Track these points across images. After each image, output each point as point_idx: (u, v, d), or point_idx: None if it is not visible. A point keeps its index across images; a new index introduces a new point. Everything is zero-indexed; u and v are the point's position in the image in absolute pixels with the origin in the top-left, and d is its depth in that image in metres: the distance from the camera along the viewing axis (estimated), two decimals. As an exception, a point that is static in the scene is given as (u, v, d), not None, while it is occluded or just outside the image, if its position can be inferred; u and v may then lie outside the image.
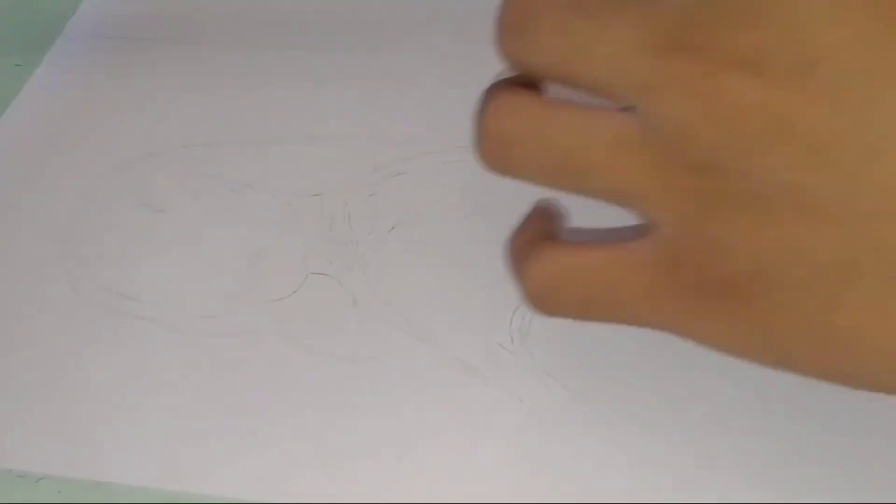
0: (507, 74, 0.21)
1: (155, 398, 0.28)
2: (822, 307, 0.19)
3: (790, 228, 0.19)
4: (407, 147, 0.34)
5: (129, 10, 0.42)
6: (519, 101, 0.21)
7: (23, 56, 0.40)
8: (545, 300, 0.22)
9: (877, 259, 0.18)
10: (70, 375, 0.29)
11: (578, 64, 0.20)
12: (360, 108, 0.36)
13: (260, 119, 0.36)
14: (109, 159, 0.35)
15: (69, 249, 0.32)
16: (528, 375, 0.28)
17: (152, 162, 0.35)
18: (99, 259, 0.32)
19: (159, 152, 0.35)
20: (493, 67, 0.21)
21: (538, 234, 0.23)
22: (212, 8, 0.41)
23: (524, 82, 0.21)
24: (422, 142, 0.35)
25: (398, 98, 0.36)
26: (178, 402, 0.28)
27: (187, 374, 0.29)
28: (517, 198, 0.33)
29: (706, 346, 0.21)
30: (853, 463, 0.26)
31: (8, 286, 0.32)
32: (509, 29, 0.20)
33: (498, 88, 0.21)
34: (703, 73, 0.18)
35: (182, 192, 0.34)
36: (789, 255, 0.19)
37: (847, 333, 0.19)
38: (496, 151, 0.22)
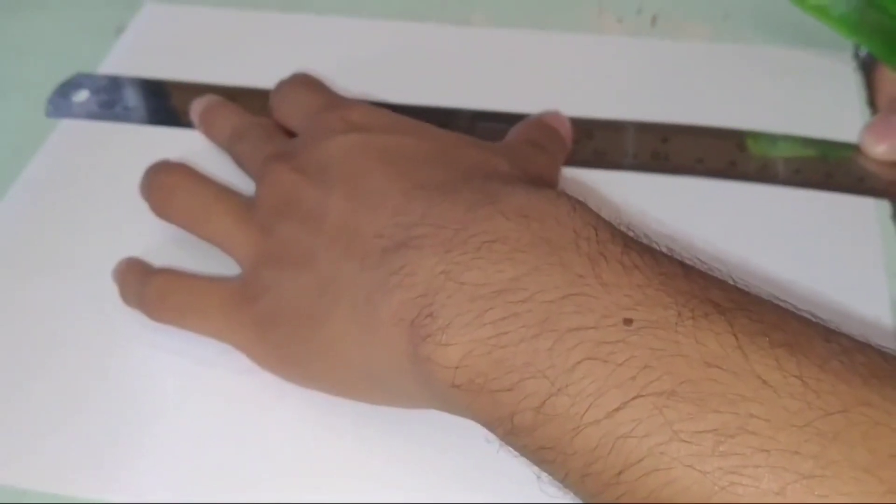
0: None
1: (177, 428, 0.30)
2: (313, 326, 0.28)
3: (293, 273, 0.29)
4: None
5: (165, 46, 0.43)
6: (179, 169, 0.34)
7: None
8: (156, 303, 0.31)
9: (348, 294, 0.27)
10: (94, 402, 0.30)
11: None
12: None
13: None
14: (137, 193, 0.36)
15: (104, 283, 0.33)
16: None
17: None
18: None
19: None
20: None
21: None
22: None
23: None
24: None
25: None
26: (198, 434, 0.29)
27: (207, 406, 0.30)
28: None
29: (260, 366, 0.30)
30: None
31: (43, 319, 0.33)
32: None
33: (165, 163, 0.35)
34: (271, 170, 0.31)
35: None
36: (294, 294, 0.29)
37: (328, 346, 0.28)
38: (162, 198, 0.34)
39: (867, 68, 0.41)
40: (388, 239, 0.27)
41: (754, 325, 0.22)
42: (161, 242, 0.35)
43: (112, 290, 0.33)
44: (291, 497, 0.28)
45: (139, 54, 0.43)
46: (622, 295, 0.23)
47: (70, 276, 0.34)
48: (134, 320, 0.32)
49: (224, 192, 0.33)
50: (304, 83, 0.37)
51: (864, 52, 0.41)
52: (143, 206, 0.34)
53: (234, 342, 0.31)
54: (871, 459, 0.20)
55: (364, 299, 0.27)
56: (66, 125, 0.40)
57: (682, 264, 0.24)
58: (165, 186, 0.34)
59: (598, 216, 0.26)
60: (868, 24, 0.38)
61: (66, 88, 0.41)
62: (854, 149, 0.37)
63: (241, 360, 0.31)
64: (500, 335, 0.23)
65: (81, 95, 0.41)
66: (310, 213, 0.30)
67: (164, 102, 0.40)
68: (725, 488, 0.20)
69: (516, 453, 0.24)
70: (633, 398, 0.21)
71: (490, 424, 0.24)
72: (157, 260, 0.34)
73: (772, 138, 0.38)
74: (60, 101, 0.41)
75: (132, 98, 0.41)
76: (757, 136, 0.38)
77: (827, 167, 0.37)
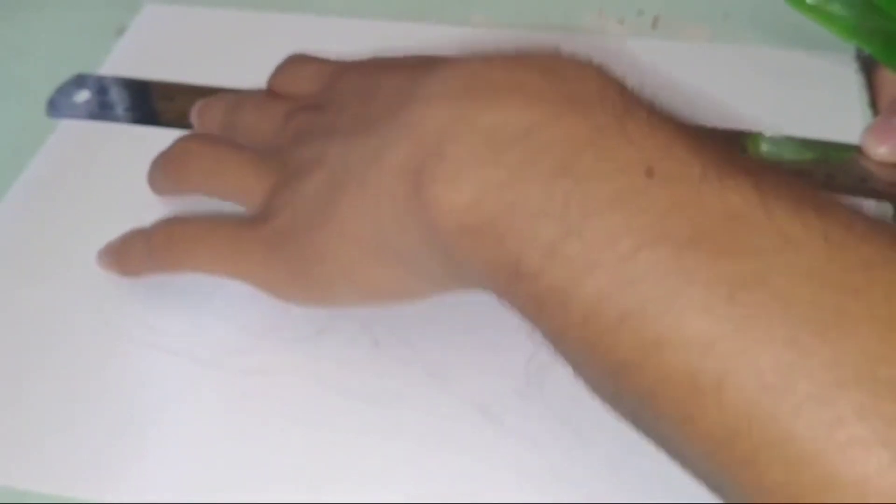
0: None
1: (180, 430, 0.30)
2: (325, 214, 0.28)
3: (305, 181, 0.29)
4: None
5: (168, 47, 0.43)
6: (191, 136, 0.35)
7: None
8: (166, 249, 0.32)
9: (357, 169, 0.27)
10: (100, 405, 0.30)
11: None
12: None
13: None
14: (144, 199, 0.36)
15: (104, 284, 0.33)
16: (543, 421, 0.29)
17: (184, 200, 0.36)
18: (132, 294, 0.33)
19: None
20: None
21: None
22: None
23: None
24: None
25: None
26: (201, 435, 0.29)
27: (212, 407, 0.30)
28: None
29: (272, 291, 0.30)
30: None
31: (44, 320, 0.33)
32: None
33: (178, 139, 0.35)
34: (294, 116, 0.32)
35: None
36: (306, 198, 0.29)
37: (340, 229, 0.27)
38: (178, 160, 0.34)
39: (868, 70, 0.41)
40: (396, 100, 0.26)
41: (780, 188, 0.21)
42: (162, 243, 0.35)
43: (113, 289, 0.33)
44: (293, 497, 0.28)
45: (140, 55, 0.43)
46: (645, 148, 0.22)
47: (70, 277, 0.34)
48: (135, 321, 0.32)
49: (237, 146, 0.33)
50: (304, 58, 0.37)
51: (865, 53, 0.41)
52: (143, 206, 0.34)
53: (244, 271, 0.30)
54: (891, 316, 0.19)
55: (371, 159, 0.26)
56: (67, 125, 0.40)
57: (709, 131, 0.23)
58: (178, 152, 0.34)
59: (624, 82, 0.25)
60: (867, 26, 0.38)
61: (67, 89, 0.41)
62: (855, 150, 0.37)
63: (243, 361, 0.31)
64: (515, 180, 0.23)
65: (82, 96, 0.41)
66: (324, 128, 0.30)
67: (165, 103, 0.40)
68: (735, 333, 0.20)
69: (512, 306, 0.24)
70: (649, 244, 0.21)
71: (492, 272, 0.24)
72: (158, 261, 0.33)
73: (773, 140, 0.38)
74: (61, 102, 0.41)
75: (133, 99, 0.41)
76: (758, 137, 0.38)
77: (828, 169, 0.37)
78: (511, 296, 0.24)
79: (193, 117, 0.38)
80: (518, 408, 0.29)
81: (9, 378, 0.31)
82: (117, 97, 0.41)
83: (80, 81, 0.42)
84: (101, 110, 0.40)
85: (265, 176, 0.31)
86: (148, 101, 0.41)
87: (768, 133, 0.38)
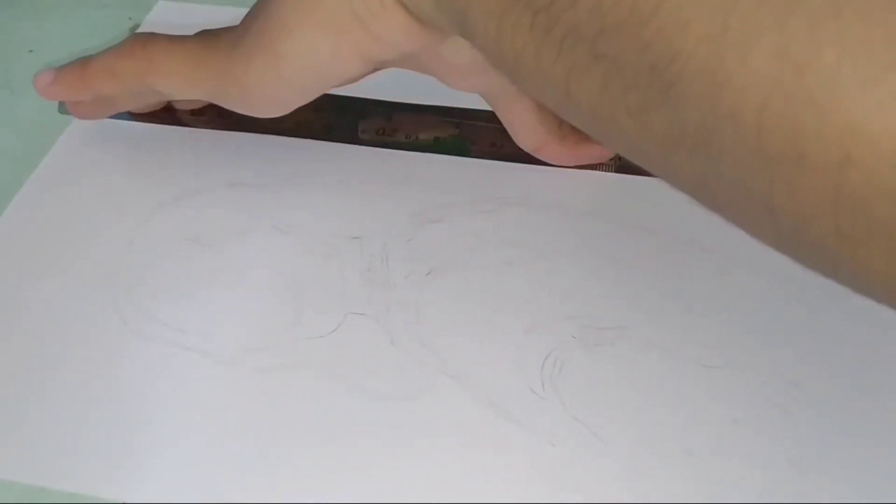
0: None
1: (196, 426, 0.30)
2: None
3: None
4: (444, 195, 0.36)
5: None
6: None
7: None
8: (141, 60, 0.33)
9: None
10: (116, 402, 0.30)
11: None
12: (399, 157, 0.38)
13: (304, 163, 0.38)
14: (158, 196, 0.36)
15: (118, 281, 0.33)
16: (559, 421, 0.29)
17: (199, 199, 0.36)
18: (146, 291, 0.33)
19: (206, 190, 0.36)
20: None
21: None
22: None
23: None
24: (458, 191, 0.36)
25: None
26: (217, 431, 0.29)
27: (228, 404, 0.30)
28: (546, 248, 0.34)
29: (233, 98, 0.32)
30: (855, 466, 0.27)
31: (58, 316, 0.33)
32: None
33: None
34: None
35: (227, 229, 0.35)
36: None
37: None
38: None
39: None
40: None
41: None
42: (173, 236, 0.35)
43: (127, 285, 0.33)
44: (307, 495, 0.28)
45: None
46: None
47: (84, 273, 0.34)
48: (149, 317, 0.32)
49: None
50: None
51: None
52: (155, 203, 0.34)
53: (205, 79, 0.32)
54: None
55: None
56: (79, 123, 0.40)
57: None
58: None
59: None
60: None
61: (80, 86, 0.41)
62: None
63: (257, 358, 0.31)
64: None
65: (95, 93, 0.41)
66: None
67: (177, 100, 0.40)
68: None
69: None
70: None
71: None
72: (168, 255, 0.34)
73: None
74: (74, 99, 0.41)
75: (146, 96, 0.41)
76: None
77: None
78: None
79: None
80: (533, 407, 0.29)
81: (23, 374, 0.31)
82: (130, 94, 0.41)
83: (93, 78, 0.42)
84: (114, 107, 0.40)
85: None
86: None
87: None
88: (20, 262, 0.35)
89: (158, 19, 0.45)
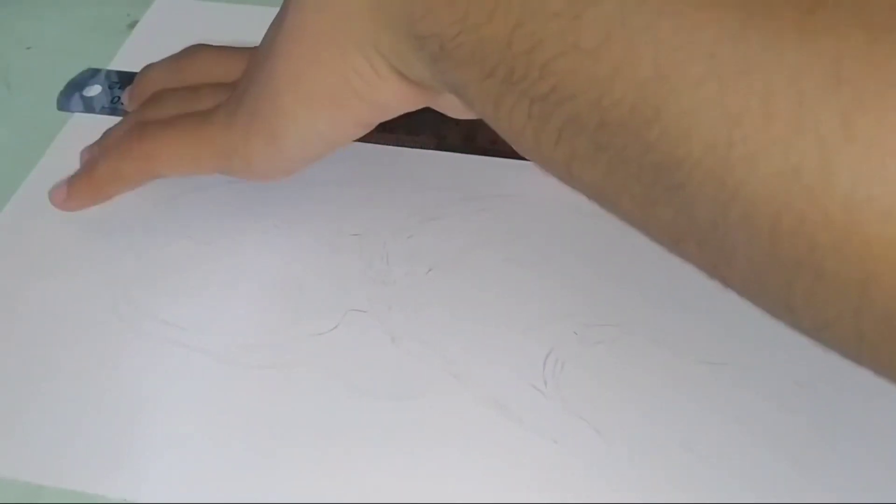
0: None
1: (196, 424, 0.29)
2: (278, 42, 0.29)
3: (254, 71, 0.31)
4: (444, 193, 0.36)
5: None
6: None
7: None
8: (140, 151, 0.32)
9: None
10: (115, 400, 0.30)
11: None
12: (399, 154, 0.38)
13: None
14: (157, 193, 0.36)
15: (117, 279, 0.33)
16: (561, 418, 0.29)
17: (199, 196, 0.36)
18: (146, 289, 0.33)
19: (206, 187, 0.36)
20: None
21: None
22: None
23: None
24: (458, 188, 0.36)
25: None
26: (217, 429, 0.29)
27: (228, 402, 0.30)
28: (548, 246, 0.34)
29: (238, 165, 0.31)
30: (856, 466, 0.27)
31: (56, 315, 0.33)
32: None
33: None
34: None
35: (227, 226, 0.35)
36: (257, 69, 0.30)
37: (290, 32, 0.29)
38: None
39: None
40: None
41: None
42: (173, 234, 0.35)
43: (126, 283, 0.33)
44: (307, 494, 0.28)
45: (151, 49, 0.43)
46: None
47: (83, 270, 0.34)
48: (149, 315, 0.32)
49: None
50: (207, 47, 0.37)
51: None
52: (153, 198, 0.34)
53: (208, 155, 0.32)
54: None
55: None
56: (79, 119, 0.40)
57: None
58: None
59: None
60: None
61: (79, 83, 0.41)
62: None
63: (257, 356, 0.31)
64: None
65: (94, 90, 0.41)
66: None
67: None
68: None
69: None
70: None
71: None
72: (168, 252, 0.34)
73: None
74: (73, 95, 0.41)
75: (145, 93, 0.41)
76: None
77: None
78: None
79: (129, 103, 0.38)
80: (535, 404, 0.29)
81: (22, 372, 0.31)
82: (129, 91, 0.41)
83: (91, 75, 0.42)
84: (113, 104, 0.40)
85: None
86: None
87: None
88: (19, 260, 0.35)
89: (157, 16, 0.45)
